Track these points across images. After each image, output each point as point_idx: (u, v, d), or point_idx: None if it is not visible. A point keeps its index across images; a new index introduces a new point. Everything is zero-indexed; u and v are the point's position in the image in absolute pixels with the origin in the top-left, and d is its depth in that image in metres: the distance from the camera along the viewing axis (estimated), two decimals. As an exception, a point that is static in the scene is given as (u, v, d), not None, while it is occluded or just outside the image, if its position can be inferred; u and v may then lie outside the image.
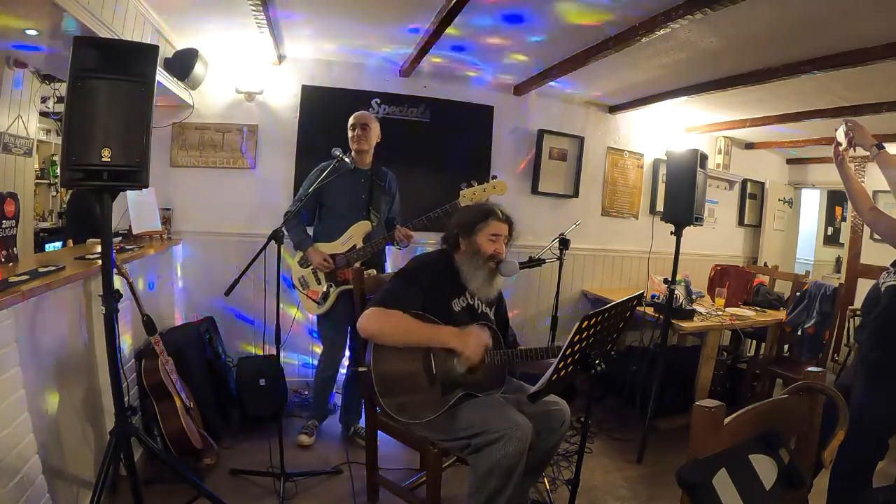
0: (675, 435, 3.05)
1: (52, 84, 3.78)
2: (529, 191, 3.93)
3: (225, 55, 3.21)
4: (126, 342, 2.28)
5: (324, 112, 3.37)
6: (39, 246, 3.95)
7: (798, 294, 3.52)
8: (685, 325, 3.04)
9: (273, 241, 2.13)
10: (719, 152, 4.61)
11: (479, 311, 2.00)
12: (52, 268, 1.74)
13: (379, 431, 2.13)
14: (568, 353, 1.44)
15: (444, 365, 1.83)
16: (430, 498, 1.87)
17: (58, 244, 4.06)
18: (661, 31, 2.25)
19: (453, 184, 2.64)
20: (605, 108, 4.13)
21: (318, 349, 3.08)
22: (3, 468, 1.42)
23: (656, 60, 2.82)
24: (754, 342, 4.13)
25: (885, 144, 1.97)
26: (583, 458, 1.66)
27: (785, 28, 2.22)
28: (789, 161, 5.30)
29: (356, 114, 2.73)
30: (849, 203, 4.22)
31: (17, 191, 2.45)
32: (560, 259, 2.83)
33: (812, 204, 6.17)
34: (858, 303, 2.80)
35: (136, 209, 2.64)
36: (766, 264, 4.69)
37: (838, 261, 5.76)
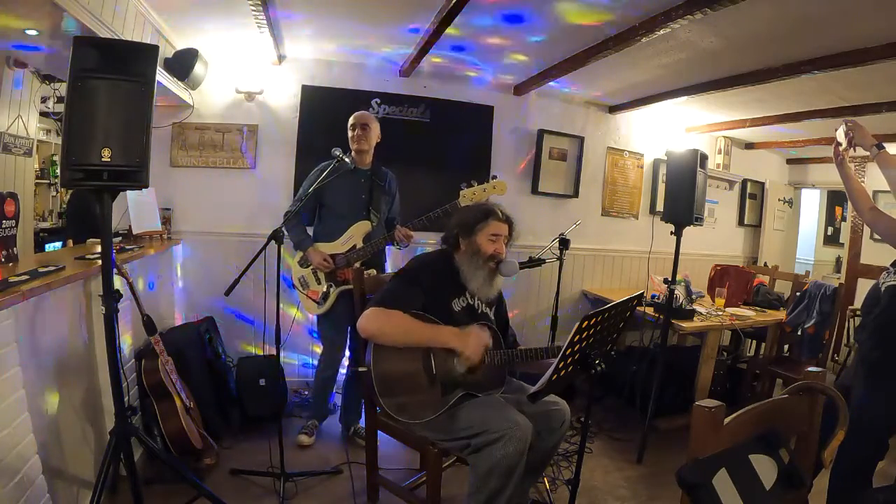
0: (675, 435, 3.05)
1: (52, 84, 3.78)
2: (529, 191, 3.93)
3: (225, 55, 3.21)
4: (126, 342, 2.28)
5: (324, 112, 3.37)
6: (39, 246, 3.96)
7: (798, 294, 3.52)
8: (685, 325, 3.04)
9: (273, 241, 2.13)
10: (719, 152, 4.61)
11: (479, 311, 2.00)
12: (52, 268, 1.74)
13: (379, 431, 2.13)
14: (568, 353, 1.44)
15: (444, 365, 1.83)
16: (430, 498, 1.87)
17: (58, 244, 4.06)
18: (661, 31, 2.25)
19: (453, 184, 2.64)
20: (605, 108, 4.12)
21: (318, 349, 3.08)
22: (3, 468, 1.42)
23: (656, 60, 2.82)
24: (754, 342, 4.13)
25: (885, 144, 1.97)
26: (583, 458, 1.66)
27: (785, 28, 2.22)
28: (789, 161, 5.30)
29: (356, 114, 2.73)
30: (849, 203, 4.22)
31: (17, 191, 2.45)
32: (560, 259, 2.83)
33: (812, 204, 6.17)
34: (858, 303, 2.80)
35: (136, 209, 2.64)
36: (766, 264, 4.69)
37: (838, 261, 5.76)
